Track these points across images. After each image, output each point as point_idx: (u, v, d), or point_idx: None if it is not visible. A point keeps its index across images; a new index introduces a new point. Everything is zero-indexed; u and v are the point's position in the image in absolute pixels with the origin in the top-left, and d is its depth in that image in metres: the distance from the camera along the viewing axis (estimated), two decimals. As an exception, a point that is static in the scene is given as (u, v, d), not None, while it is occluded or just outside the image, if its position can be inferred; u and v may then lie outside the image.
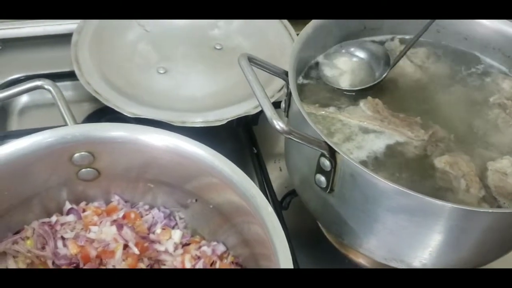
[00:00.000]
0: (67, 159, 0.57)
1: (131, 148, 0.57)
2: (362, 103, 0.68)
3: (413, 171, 0.61)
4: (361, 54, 0.75)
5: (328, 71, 0.72)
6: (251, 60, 0.59)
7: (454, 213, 0.53)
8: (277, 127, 0.53)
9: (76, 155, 0.57)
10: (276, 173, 0.83)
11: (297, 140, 0.54)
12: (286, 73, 0.62)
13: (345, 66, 0.73)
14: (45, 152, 0.55)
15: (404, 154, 0.63)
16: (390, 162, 0.62)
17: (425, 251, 0.59)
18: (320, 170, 0.59)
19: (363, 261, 0.73)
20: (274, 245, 0.49)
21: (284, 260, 0.48)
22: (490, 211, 0.55)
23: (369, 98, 0.68)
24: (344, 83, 0.71)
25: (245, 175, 0.55)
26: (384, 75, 0.71)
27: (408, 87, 0.73)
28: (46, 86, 0.59)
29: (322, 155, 0.57)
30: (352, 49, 0.75)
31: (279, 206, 0.75)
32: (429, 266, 0.61)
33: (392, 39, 0.77)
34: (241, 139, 0.87)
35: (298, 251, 0.70)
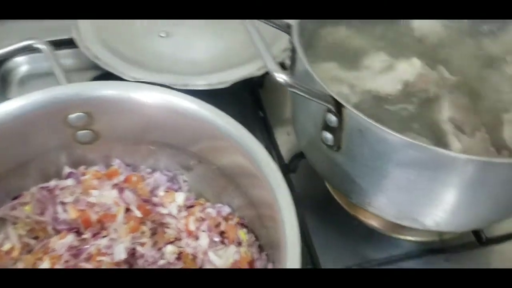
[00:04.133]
0: (62, 120, 0.56)
1: (127, 107, 0.55)
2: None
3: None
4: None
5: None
6: (252, 12, 0.57)
7: (469, 165, 0.51)
8: (279, 79, 0.50)
9: (71, 115, 0.56)
10: (284, 138, 0.81)
11: (300, 93, 0.52)
12: (289, 26, 0.60)
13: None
14: (39, 112, 0.54)
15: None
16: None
17: (439, 208, 0.56)
18: (326, 126, 0.56)
19: (373, 222, 0.71)
20: (277, 201, 0.47)
21: (288, 217, 0.46)
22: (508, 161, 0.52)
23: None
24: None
25: (247, 131, 0.53)
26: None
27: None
28: (36, 45, 0.56)
29: (328, 110, 0.54)
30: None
31: (286, 169, 0.73)
32: (442, 224, 0.59)
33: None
34: (247, 103, 0.84)
35: (307, 213, 0.69)
